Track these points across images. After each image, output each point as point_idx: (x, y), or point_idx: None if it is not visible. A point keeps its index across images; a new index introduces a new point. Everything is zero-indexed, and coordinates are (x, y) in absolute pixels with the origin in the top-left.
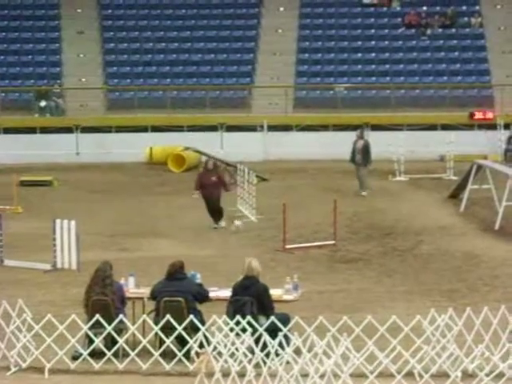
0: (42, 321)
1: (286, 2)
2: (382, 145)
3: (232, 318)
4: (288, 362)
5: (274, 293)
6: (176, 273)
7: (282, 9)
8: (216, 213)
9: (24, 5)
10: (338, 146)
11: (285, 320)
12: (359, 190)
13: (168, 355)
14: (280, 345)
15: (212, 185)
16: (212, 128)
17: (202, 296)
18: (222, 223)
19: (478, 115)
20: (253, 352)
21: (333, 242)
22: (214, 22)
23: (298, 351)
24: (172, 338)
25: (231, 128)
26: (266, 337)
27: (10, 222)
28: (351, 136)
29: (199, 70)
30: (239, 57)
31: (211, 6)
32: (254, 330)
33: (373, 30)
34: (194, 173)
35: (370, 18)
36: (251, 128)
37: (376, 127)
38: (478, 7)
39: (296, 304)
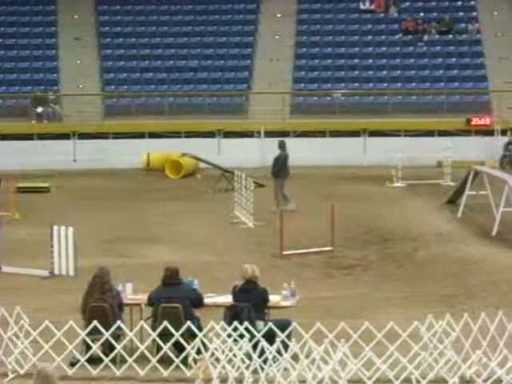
0: (40, 327)
1: (284, 8)
2: (380, 151)
3: (229, 323)
4: (286, 369)
5: (272, 299)
6: (172, 278)
7: (279, 15)
8: None
9: (21, 11)
10: (336, 151)
11: (287, 325)
12: (283, 206)
13: (165, 361)
14: (278, 351)
15: None
16: (209, 134)
17: (197, 301)
18: None
19: (476, 121)
20: (250, 358)
21: (330, 248)
22: (211, 28)
23: (295, 357)
24: (169, 344)
25: (228, 134)
26: (263, 343)
27: (7, 228)
28: (349, 142)
29: (196, 77)
30: (236, 63)
31: (208, 12)
32: (252, 336)
33: (370, 36)
34: (191, 179)
35: (367, 24)
36: (248, 134)
37: (373, 133)
38: (475, 13)
39: (293, 310)
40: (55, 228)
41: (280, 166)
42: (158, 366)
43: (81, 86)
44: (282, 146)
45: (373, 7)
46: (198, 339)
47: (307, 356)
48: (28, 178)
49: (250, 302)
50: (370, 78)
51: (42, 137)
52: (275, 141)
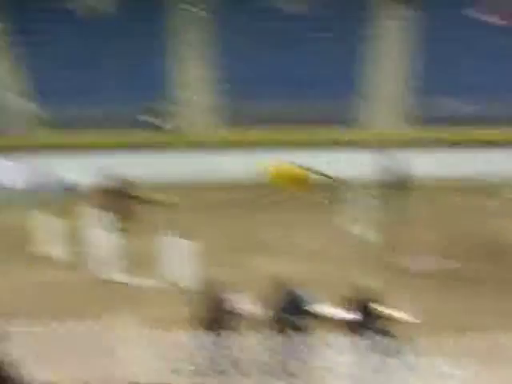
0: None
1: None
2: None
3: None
4: None
5: (392, 313)
6: (284, 290)
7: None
8: None
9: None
10: (454, 164)
11: (407, 341)
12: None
13: None
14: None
15: None
16: (322, 145)
17: (312, 313)
18: None
19: None
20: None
21: (451, 260)
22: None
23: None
24: None
25: (341, 145)
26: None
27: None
28: (469, 153)
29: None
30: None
31: None
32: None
33: None
34: (311, 193)
35: None
36: (362, 145)
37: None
38: None
39: (415, 325)
40: (172, 239)
41: (391, 178)
42: None
43: (195, 97)
44: (392, 157)
45: None
46: None
47: (432, 372)
48: (147, 189)
49: (369, 316)
50: None
51: (158, 148)
52: (390, 152)
